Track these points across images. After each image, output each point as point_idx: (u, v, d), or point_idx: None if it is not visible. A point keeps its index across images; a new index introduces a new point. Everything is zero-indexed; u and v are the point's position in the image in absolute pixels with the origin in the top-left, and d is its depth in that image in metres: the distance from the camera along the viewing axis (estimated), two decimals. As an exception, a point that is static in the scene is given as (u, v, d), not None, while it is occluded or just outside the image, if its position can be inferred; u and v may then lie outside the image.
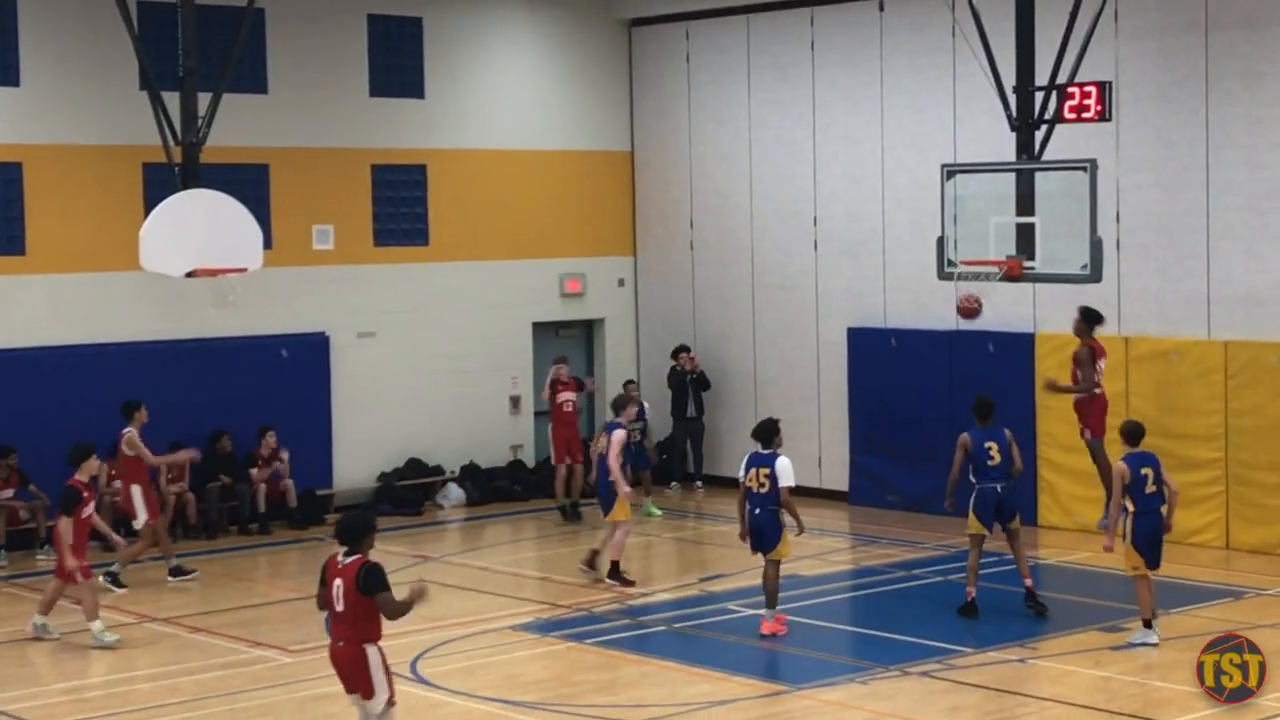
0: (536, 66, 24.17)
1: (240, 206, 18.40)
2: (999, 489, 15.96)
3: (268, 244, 19.20)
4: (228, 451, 20.83)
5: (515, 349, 23.92)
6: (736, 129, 23.58)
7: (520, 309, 23.95)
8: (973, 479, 16.00)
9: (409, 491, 22.47)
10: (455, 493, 22.92)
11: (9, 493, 19.35)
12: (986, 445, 16.01)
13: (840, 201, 22.38)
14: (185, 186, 18.22)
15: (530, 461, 23.88)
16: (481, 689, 13.66)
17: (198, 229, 17.93)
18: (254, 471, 20.87)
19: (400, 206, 22.94)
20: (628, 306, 25.03)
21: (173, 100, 18.43)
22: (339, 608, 10.55)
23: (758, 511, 15.56)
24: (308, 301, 22.00)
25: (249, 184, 20.59)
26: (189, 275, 18.11)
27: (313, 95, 22.04)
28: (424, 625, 15.80)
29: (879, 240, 21.93)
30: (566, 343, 24.65)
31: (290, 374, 21.64)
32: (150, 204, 18.86)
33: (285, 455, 20.88)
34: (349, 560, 10.57)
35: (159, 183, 19.25)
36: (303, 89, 21.95)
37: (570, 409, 22.03)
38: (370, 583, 10.40)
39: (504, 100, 23.84)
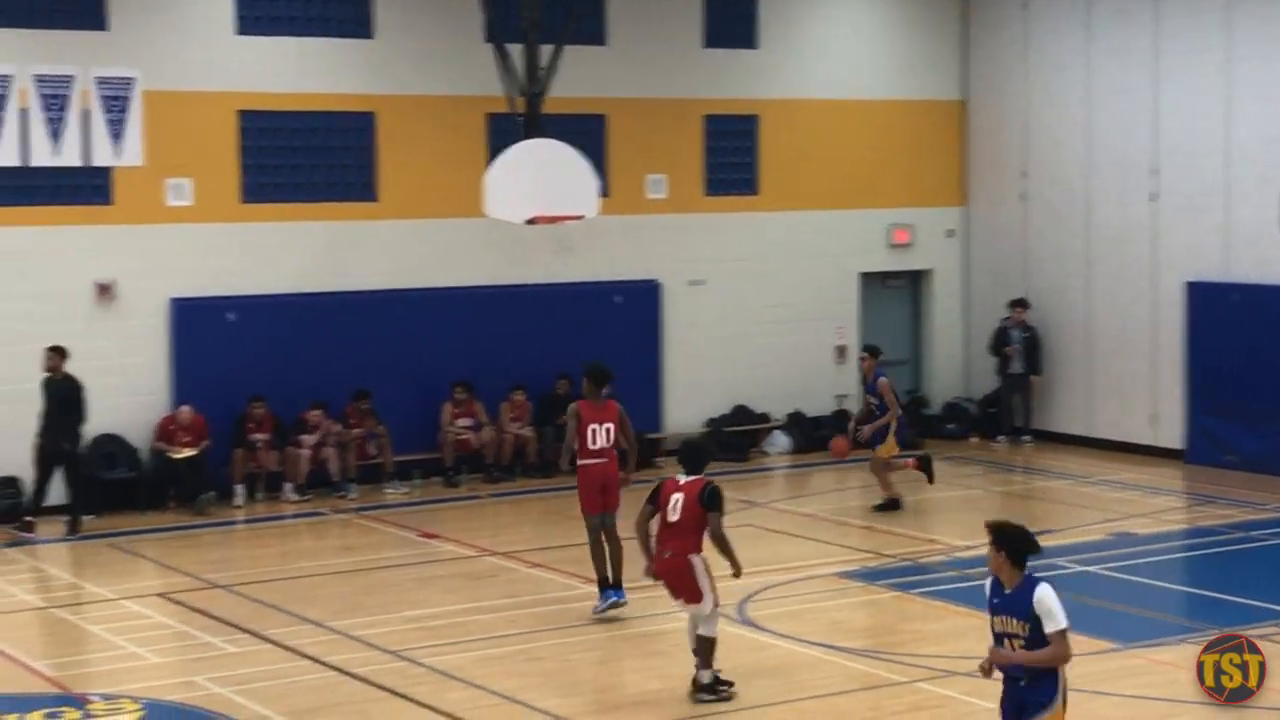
0: (869, 16, 24.09)
1: (579, 156, 18.90)
2: None
3: (604, 192, 19.69)
4: (565, 394, 21.44)
5: (842, 299, 23.98)
6: (1073, 77, 23.10)
7: (847, 259, 23.98)
8: None
9: (735, 437, 22.81)
10: (781, 440, 23.17)
11: (360, 431, 20.34)
12: None
13: (1180, 152, 21.76)
14: (527, 136, 18.80)
15: (856, 410, 23.91)
16: (807, 634, 13.85)
17: (538, 178, 18.49)
18: (588, 414, 21.45)
19: (731, 156, 23.19)
20: (957, 258, 24.83)
21: (516, 52, 19.04)
22: (673, 518, 11.67)
23: None
24: (641, 249, 22.46)
25: (587, 134, 21.11)
26: (529, 222, 18.72)
27: (649, 47, 22.43)
28: (750, 569, 16.00)
29: (1221, 193, 21.26)
30: (894, 293, 24.64)
31: (623, 320, 22.17)
32: (493, 153, 19.49)
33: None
34: (691, 479, 11.77)
35: (502, 132, 19.89)
36: (639, 40, 22.35)
37: None
38: (713, 499, 11.67)
39: (836, 50, 23.84)
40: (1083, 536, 17.55)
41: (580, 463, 14.19)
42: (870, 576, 15.91)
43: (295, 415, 20.08)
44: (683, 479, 11.96)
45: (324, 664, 13.12)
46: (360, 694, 12.40)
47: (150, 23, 19.69)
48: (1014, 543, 8.56)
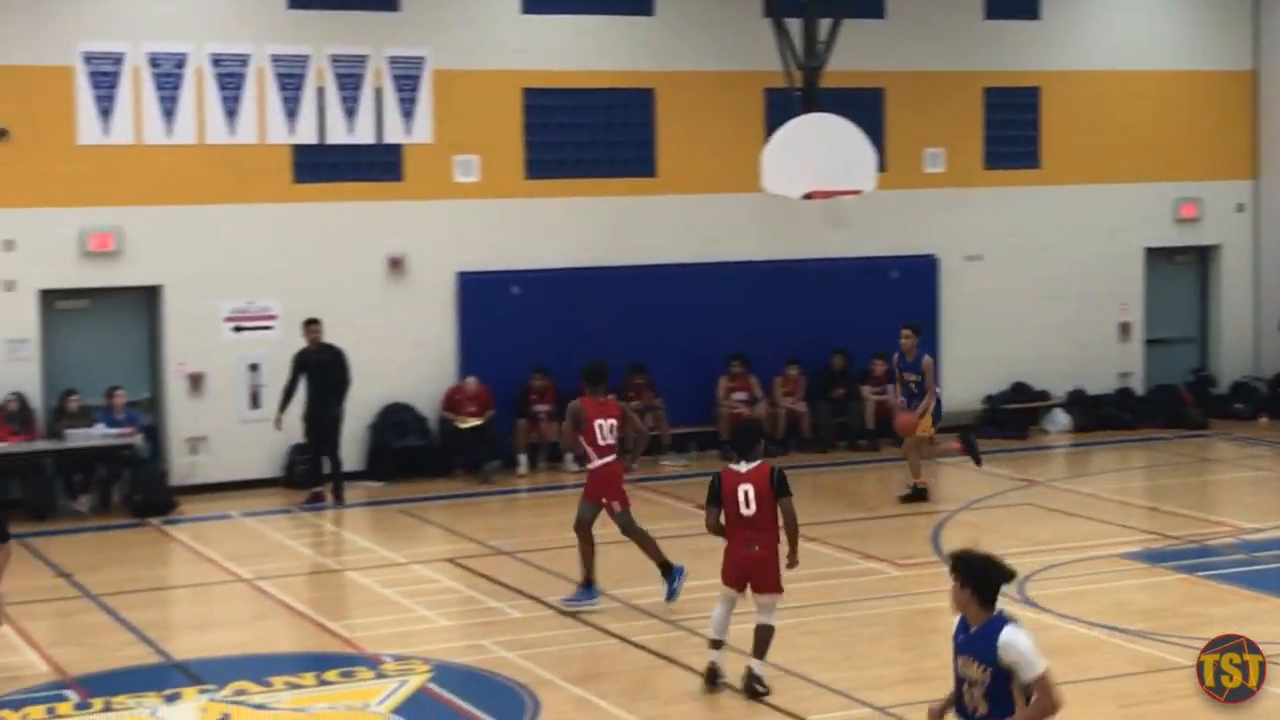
0: (1156, -16, 23.53)
1: (856, 130, 18.86)
2: None
3: (881, 167, 19.62)
4: (841, 369, 21.48)
5: (1125, 275, 23.47)
6: (1375, 45, 22.21)
7: (1132, 234, 23.46)
8: None
9: (1014, 415, 22.51)
10: (1061, 418, 22.79)
11: (638, 404, 20.64)
12: None
13: None
14: (805, 111, 18.83)
15: (1140, 389, 23.43)
16: (1090, 614, 13.65)
17: (815, 152, 18.51)
18: (865, 389, 21.46)
19: (1011, 129, 22.86)
20: (1247, 233, 24.07)
21: (794, 27, 19.07)
22: (748, 511, 11.24)
23: None
24: (917, 224, 22.30)
25: (864, 108, 21.02)
26: (806, 197, 18.75)
27: (928, 19, 22.24)
28: (1030, 548, 15.91)
29: None
30: (1180, 269, 24.01)
31: (899, 295, 22.04)
32: (770, 128, 19.58)
33: (889, 388, 21.37)
34: (752, 467, 11.28)
35: (780, 107, 19.95)
36: (918, 13, 22.18)
37: None
38: (785, 483, 11.30)
39: (1120, 20, 23.30)
40: (1381, 522, 16.96)
41: (602, 460, 13.97)
42: (1154, 558, 15.60)
43: (576, 387, 20.44)
44: (742, 468, 11.40)
45: (605, 631, 13.39)
46: (641, 661, 12.64)
47: (440, 3, 20.24)
48: (982, 576, 7.33)
